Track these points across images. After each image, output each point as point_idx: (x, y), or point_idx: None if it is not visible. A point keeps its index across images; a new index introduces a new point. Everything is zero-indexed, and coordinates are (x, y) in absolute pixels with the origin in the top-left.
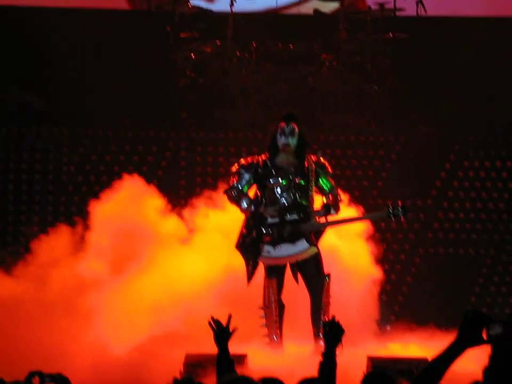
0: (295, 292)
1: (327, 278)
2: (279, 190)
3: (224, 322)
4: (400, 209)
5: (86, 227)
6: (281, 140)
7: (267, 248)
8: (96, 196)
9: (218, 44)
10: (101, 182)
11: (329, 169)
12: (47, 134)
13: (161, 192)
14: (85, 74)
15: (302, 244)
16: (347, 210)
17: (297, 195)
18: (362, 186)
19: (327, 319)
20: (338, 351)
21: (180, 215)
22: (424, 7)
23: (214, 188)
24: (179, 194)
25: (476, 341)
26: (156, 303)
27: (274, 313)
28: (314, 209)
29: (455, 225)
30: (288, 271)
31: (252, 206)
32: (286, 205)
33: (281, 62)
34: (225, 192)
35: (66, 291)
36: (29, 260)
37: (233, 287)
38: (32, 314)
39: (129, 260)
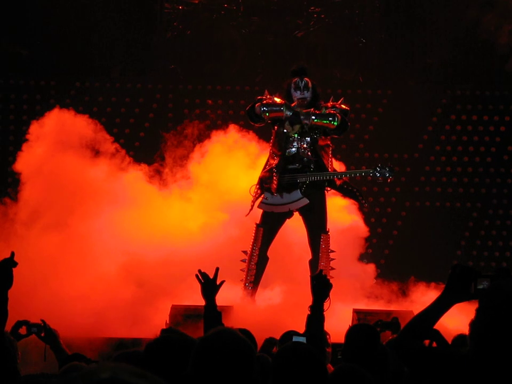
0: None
1: (325, 233)
2: (289, 140)
3: (211, 275)
4: (387, 170)
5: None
6: (297, 94)
7: (266, 194)
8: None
9: None
10: None
11: (343, 107)
12: (34, 86)
13: (147, 144)
14: (71, 26)
15: (296, 194)
16: (335, 164)
17: (304, 146)
18: (349, 140)
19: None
20: (325, 305)
21: (165, 167)
22: None
23: (200, 140)
24: (166, 146)
25: (463, 295)
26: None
27: (253, 261)
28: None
29: (441, 179)
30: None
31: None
32: (291, 155)
33: (269, 14)
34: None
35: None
36: None
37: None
38: None
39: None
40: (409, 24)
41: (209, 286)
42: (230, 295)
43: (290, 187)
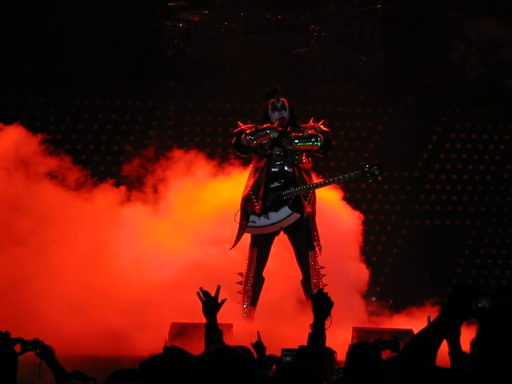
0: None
1: (314, 249)
2: (268, 160)
3: (212, 293)
4: (376, 168)
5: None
6: (275, 115)
7: (252, 217)
8: (83, 165)
9: (207, 13)
10: (88, 151)
11: (322, 128)
12: (34, 103)
13: (148, 161)
14: (72, 43)
15: (285, 211)
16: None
17: (284, 163)
18: (349, 157)
19: (315, 291)
20: (327, 324)
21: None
22: None
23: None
24: (167, 164)
25: (463, 314)
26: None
27: (249, 282)
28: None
29: (441, 197)
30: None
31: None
32: (273, 174)
33: (269, 32)
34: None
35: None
36: None
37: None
38: None
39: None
40: (408, 43)
41: (211, 304)
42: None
43: (277, 205)
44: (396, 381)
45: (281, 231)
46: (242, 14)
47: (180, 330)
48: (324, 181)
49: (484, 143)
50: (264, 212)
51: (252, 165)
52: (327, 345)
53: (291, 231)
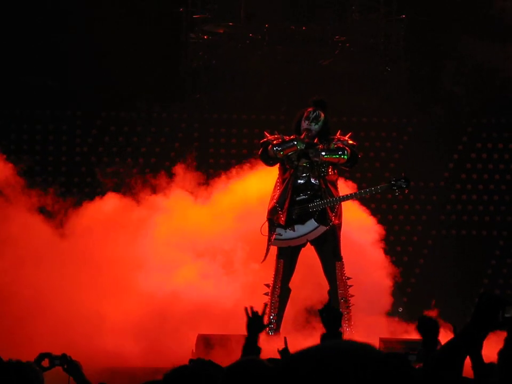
0: None
1: (341, 259)
2: (294, 171)
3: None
4: (403, 181)
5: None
6: (304, 125)
7: (279, 230)
8: (111, 176)
9: (231, 25)
10: (114, 163)
11: (349, 141)
12: (61, 116)
13: (173, 173)
14: (98, 56)
15: (311, 224)
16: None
17: (310, 175)
18: (375, 168)
19: (342, 301)
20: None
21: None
22: None
23: (227, 169)
24: (192, 176)
25: (491, 324)
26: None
27: (276, 293)
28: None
29: (468, 207)
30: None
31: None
32: (299, 186)
33: (294, 43)
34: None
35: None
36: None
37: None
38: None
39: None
40: (434, 53)
41: (256, 322)
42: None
43: (303, 218)
44: None
45: (308, 243)
46: (266, 25)
47: (206, 342)
48: (350, 194)
49: (510, 152)
50: (290, 224)
51: (278, 176)
52: None
53: (318, 242)
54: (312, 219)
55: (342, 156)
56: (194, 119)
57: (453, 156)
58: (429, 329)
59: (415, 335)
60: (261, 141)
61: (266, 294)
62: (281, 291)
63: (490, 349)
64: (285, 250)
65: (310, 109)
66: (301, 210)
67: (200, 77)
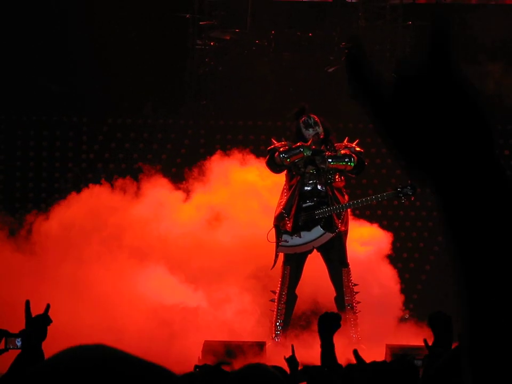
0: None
1: (348, 266)
2: (301, 178)
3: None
4: (409, 188)
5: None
6: (309, 132)
7: (285, 237)
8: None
9: (238, 31)
10: (120, 170)
11: (357, 148)
12: (67, 122)
13: (179, 180)
14: (104, 62)
15: (317, 230)
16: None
17: (317, 182)
18: (381, 174)
19: (349, 307)
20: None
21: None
22: None
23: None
24: (198, 182)
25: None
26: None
27: (282, 300)
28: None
29: None
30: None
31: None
32: (306, 192)
33: (300, 50)
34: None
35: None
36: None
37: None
38: None
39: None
40: None
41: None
42: (263, 330)
43: (310, 224)
44: None
45: (315, 249)
46: (273, 32)
47: (213, 348)
48: (356, 201)
49: None
50: (296, 231)
51: (285, 183)
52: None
53: (324, 248)
54: (319, 226)
55: (349, 163)
56: (200, 126)
57: None
58: (440, 325)
59: (421, 342)
60: (268, 148)
61: (272, 300)
62: (287, 297)
63: None
64: (291, 256)
65: (302, 119)
66: (308, 217)
67: (207, 83)
